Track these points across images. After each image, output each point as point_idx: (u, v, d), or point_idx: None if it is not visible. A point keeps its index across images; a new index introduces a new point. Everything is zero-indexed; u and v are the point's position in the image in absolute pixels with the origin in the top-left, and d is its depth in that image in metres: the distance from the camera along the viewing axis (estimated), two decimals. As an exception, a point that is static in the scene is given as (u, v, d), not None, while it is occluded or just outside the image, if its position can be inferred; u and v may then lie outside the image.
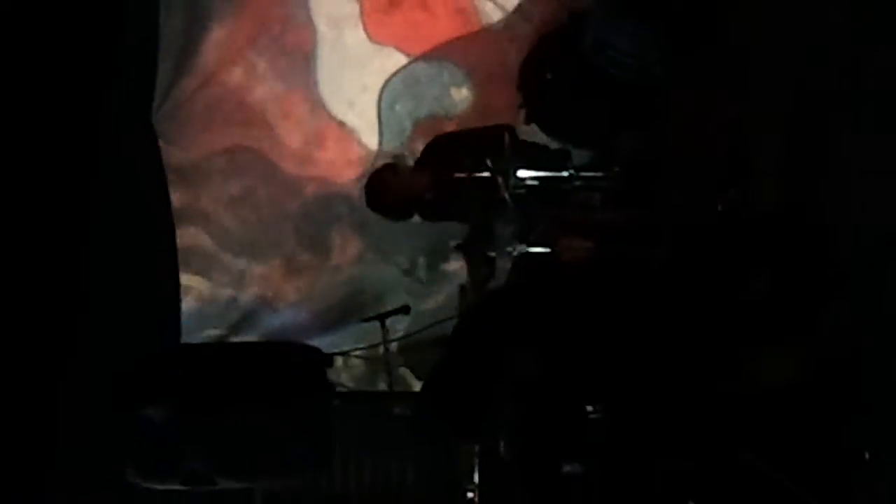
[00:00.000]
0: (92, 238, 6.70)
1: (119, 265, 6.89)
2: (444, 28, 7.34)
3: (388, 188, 6.84)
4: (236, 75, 7.32)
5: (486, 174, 6.35)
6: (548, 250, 6.26)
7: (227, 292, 7.46)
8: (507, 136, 6.62)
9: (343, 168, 7.43)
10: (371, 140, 7.43)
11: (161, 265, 7.24)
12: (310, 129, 7.41)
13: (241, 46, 7.28)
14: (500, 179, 6.30)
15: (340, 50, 7.36)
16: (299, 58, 7.34)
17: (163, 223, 7.25)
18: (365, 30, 7.35)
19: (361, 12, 7.34)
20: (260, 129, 7.38)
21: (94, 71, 6.61)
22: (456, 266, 7.13)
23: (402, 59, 7.37)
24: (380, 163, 7.17)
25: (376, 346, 7.02)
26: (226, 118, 7.33)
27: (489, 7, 7.34)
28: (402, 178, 6.83)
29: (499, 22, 7.37)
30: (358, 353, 7.29)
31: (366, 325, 7.14)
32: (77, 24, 6.47)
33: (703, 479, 5.52)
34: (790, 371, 5.56)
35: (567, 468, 5.65)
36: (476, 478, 6.19)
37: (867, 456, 5.36)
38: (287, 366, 6.47)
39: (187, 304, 7.40)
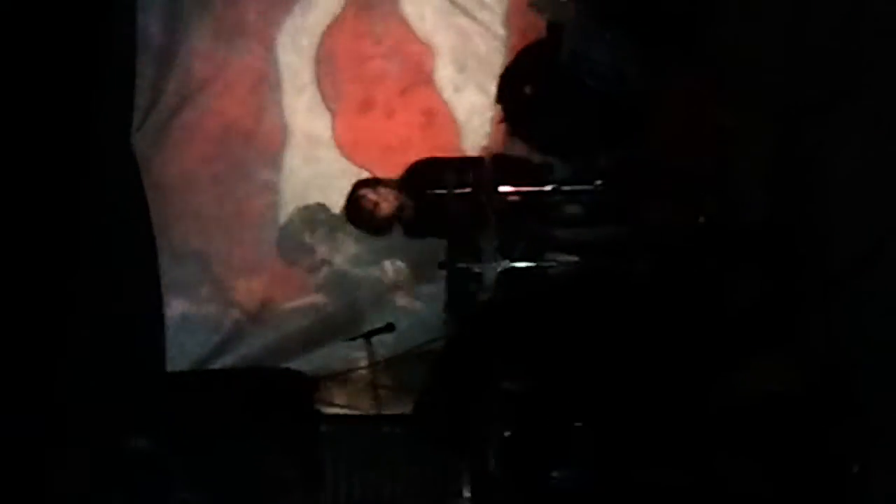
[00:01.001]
0: (73, 260, 6.97)
1: (101, 289, 7.10)
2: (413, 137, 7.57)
3: (367, 203, 6.98)
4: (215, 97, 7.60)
5: (467, 190, 6.59)
6: (532, 265, 6.53)
7: (209, 312, 7.59)
8: (487, 153, 6.96)
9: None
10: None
11: (143, 287, 7.40)
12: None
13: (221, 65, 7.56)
14: (482, 195, 6.54)
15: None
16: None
17: (144, 244, 7.42)
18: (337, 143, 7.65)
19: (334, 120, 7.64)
20: (238, 145, 7.63)
21: (74, 93, 6.90)
22: (441, 282, 7.16)
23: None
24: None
25: (363, 367, 7.15)
26: (205, 136, 7.56)
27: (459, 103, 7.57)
28: (378, 190, 6.97)
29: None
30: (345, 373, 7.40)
31: (351, 343, 7.22)
32: (55, 48, 6.76)
33: (690, 488, 5.80)
34: (778, 380, 5.87)
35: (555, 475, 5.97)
36: (467, 493, 6.33)
37: (855, 469, 5.62)
38: (273, 392, 6.84)
39: (169, 324, 7.53)
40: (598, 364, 6.02)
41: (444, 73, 7.55)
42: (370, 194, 6.97)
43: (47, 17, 6.74)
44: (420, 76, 7.57)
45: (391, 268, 7.58)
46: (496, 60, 7.39)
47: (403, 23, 7.58)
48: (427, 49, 7.56)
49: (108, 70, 7.18)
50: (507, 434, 6.02)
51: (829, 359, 5.83)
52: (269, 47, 7.59)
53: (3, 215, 6.57)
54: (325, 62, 7.60)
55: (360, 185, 7.09)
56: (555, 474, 5.99)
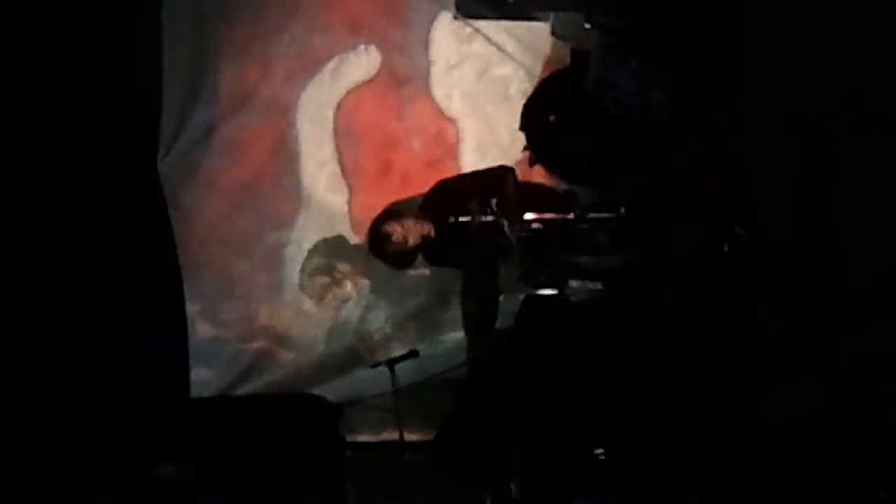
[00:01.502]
0: (99, 287, 7.01)
1: (125, 314, 7.17)
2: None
3: (390, 232, 7.11)
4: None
5: (490, 218, 6.64)
6: (555, 293, 6.60)
7: (233, 339, 7.71)
8: (510, 179, 6.99)
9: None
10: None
11: (168, 313, 7.49)
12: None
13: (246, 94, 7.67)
14: (505, 223, 6.60)
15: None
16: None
17: (169, 271, 7.51)
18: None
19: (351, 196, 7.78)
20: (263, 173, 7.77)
21: (99, 121, 6.96)
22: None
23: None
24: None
25: (386, 394, 7.22)
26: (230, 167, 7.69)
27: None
28: (403, 223, 7.10)
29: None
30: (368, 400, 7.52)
31: (374, 370, 7.30)
32: (80, 74, 6.85)
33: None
34: (805, 406, 5.94)
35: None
36: None
37: (882, 495, 5.72)
38: (297, 419, 6.95)
39: (193, 350, 7.62)
40: (622, 392, 6.09)
41: (468, 158, 7.72)
42: (398, 228, 7.10)
43: (73, 39, 6.82)
44: (444, 153, 7.74)
45: (413, 299, 7.73)
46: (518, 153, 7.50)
47: (431, 102, 7.73)
48: (452, 129, 7.72)
49: (134, 96, 7.23)
50: (529, 462, 6.10)
51: (856, 385, 5.88)
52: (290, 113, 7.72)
53: (29, 237, 6.67)
54: (347, 134, 7.74)
55: (383, 218, 7.20)
56: (578, 501, 6.08)
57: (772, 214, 6.43)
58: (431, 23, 7.71)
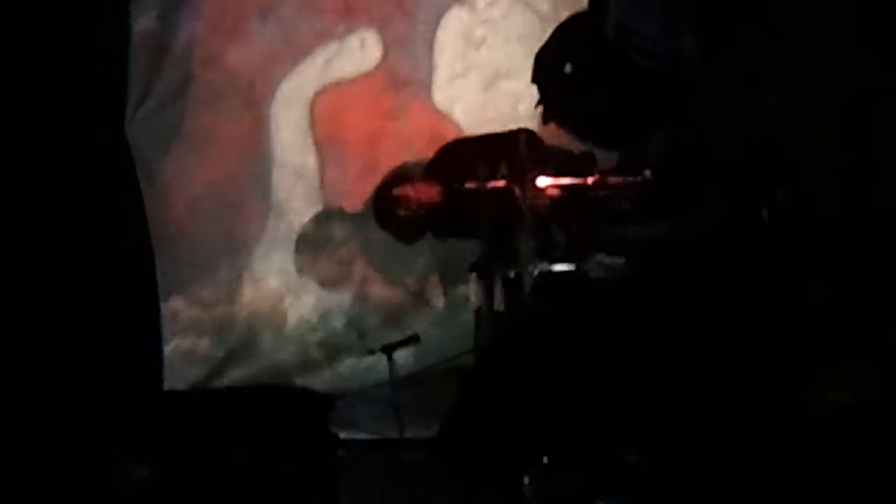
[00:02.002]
0: (63, 264, 6.90)
1: (93, 293, 7.03)
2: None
3: (399, 198, 6.99)
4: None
5: (501, 183, 6.45)
6: (573, 268, 6.33)
7: (212, 324, 7.56)
8: (523, 140, 6.70)
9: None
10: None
11: (140, 292, 7.34)
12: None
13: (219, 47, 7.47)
14: (516, 189, 6.39)
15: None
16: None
17: (139, 245, 7.37)
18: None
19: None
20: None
21: (63, 82, 6.89)
22: (471, 288, 7.05)
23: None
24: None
25: (383, 384, 7.06)
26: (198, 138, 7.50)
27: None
28: (413, 187, 6.98)
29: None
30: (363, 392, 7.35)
31: (371, 357, 7.19)
32: (43, 37, 6.79)
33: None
34: (855, 392, 5.65)
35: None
36: None
37: None
38: (284, 414, 6.69)
39: (168, 337, 7.48)
40: (650, 380, 5.83)
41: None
42: (409, 192, 6.98)
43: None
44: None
45: (416, 276, 7.56)
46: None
47: (432, 111, 7.54)
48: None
49: (100, 59, 7.17)
50: (545, 461, 5.86)
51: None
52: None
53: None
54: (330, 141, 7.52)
55: (391, 181, 7.11)
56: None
57: (816, 176, 6.12)
58: (439, 20, 7.52)
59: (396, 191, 7.06)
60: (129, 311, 7.20)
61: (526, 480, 5.90)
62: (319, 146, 7.49)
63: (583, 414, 5.89)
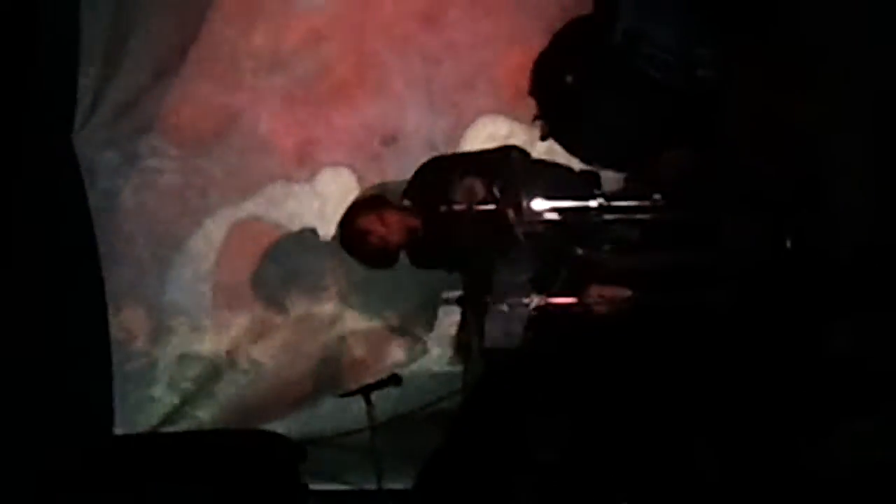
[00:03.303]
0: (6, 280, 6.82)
1: (34, 319, 6.94)
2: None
3: (368, 229, 6.88)
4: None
5: (492, 206, 6.43)
6: (573, 301, 6.33)
7: (170, 356, 7.53)
8: (516, 157, 6.76)
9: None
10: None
11: (87, 319, 7.31)
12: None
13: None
14: (510, 212, 6.36)
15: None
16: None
17: (87, 265, 7.34)
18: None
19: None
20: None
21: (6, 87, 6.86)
22: (456, 323, 7.20)
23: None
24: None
25: (360, 430, 7.00)
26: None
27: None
28: (385, 216, 6.88)
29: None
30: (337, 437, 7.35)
31: (346, 400, 7.12)
32: None
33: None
34: (882, 450, 5.61)
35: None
36: None
37: None
38: (250, 461, 6.55)
39: (119, 371, 7.44)
40: (656, 427, 5.85)
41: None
42: (377, 227, 6.86)
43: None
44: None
45: (395, 312, 7.57)
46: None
47: None
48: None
49: (48, 65, 7.12)
50: None
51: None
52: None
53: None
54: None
55: (359, 210, 6.99)
56: None
57: (846, 202, 6.09)
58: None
59: (363, 222, 6.94)
60: (75, 332, 7.17)
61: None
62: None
63: (581, 462, 5.90)
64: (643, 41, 6.45)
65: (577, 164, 6.87)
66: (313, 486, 6.94)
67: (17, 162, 6.93)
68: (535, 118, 6.80)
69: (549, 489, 5.93)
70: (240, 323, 7.57)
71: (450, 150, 7.39)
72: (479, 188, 6.50)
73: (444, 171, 6.93)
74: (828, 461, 5.68)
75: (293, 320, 7.55)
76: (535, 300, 6.31)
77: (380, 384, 7.00)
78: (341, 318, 7.57)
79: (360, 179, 7.49)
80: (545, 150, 6.95)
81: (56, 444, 6.67)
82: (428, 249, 6.90)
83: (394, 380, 7.04)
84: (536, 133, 6.85)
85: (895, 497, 5.56)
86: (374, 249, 6.94)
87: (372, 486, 6.92)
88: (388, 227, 6.87)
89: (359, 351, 7.55)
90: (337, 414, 7.36)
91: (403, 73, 7.50)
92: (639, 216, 6.44)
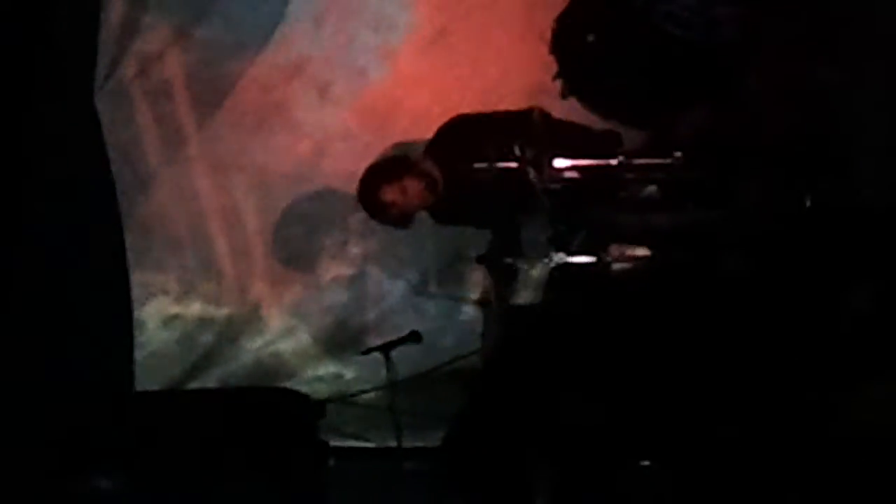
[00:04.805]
0: (25, 242, 6.84)
1: (55, 277, 6.97)
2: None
3: (390, 201, 6.94)
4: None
5: (513, 164, 6.47)
6: (593, 260, 6.42)
7: (189, 316, 7.65)
8: (538, 116, 6.79)
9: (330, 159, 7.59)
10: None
11: (109, 278, 7.33)
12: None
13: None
14: (531, 171, 6.44)
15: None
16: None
17: (109, 224, 7.37)
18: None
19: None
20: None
21: (28, 47, 6.83)
22: (478, 281, 7.31)
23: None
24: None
25: (380, 387, 7.12)
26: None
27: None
28: (407, 185, 6.92)
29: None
30: (357, 396, 7.43)
31: (366, 358, 7.18)
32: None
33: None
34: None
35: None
36: None
37: None
38: (269, 419, 6.64)
39: (139, 331, 7.54)
40: (675, 386, 5.95)
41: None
42: (398, 198, 6.91)
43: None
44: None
45: (417, 270, 7.64)
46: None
47: None
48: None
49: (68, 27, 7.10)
50: (560, 473, 5.98)
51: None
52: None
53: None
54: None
55: (380, 180, 6.99)
56: None
57: (866, 162, 6.24)
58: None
59: (382, 194, 6.95)
60: (96, 297, 7.17)
61: (539, 495, 6.03)
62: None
63: (601, 420, 6.00)
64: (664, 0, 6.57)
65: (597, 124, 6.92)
66: (333, 444, 6.98)
67: (39, 120, 6.90)
68: (556, 76, 6.83)
69: (570, 449, 6.02)
70: (260, 281, 7.64)
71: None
72: (502, 147, 6.50)
73: (468, 129, 6.99)
74: (847, 422, 5.77)
75: (313, 279, 7.62)
76: (555, 258, 6.38)
77: (400, 341, 7.02)
78: (362, 275, 7.63)
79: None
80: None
81: (77, 400, 6.70)
82: (449, 207, 6.96)
83: (413, 337, 7.06)
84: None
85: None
86: (393, 218, 7.01)
87: (391, 444, 6.94)
88: (409, 198, 6.92)
89: (379, 307, 7.62)
90: (357, 371, 7.48)
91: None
92: (659, 174, 6.54)
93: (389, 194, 6.90)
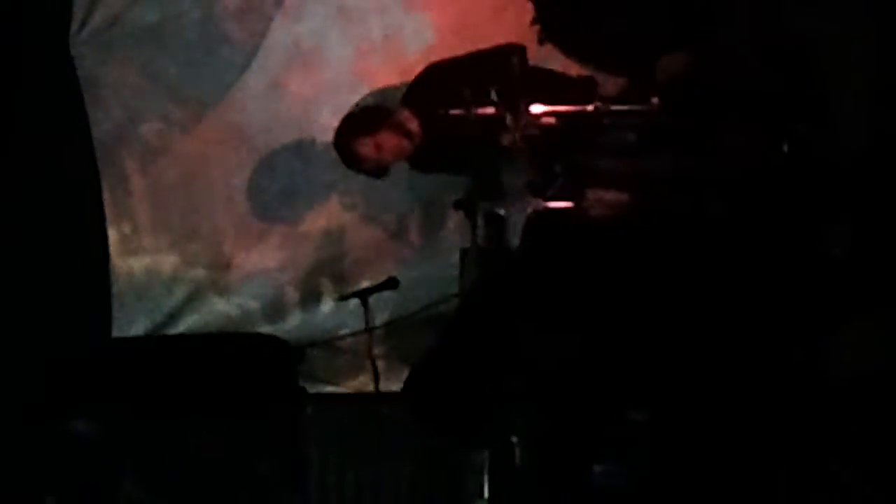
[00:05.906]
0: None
1: (30, 225, 7.06)
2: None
3: (364, 155, 6.99)
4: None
5: (490, 110, 6.46)
6: (571, 206, 6.43)
7: (165, 264, 7.62)
8: (516, 60, 6.72)
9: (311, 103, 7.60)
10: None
11: (84, 225, 7.39)
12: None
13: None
14: (508, 116, 6.43)
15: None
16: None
17: (85, 172, 7.39)
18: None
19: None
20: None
21: None
22: (455, 227, 7.33)
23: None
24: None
25: (358, 333, 7.13)
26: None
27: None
28: (381, 139, 6.95)
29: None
30: (335, 341, 7.44)
31: (344, 304, 7.28)
32: None
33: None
34: (880, 352, 5.85)
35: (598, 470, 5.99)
36: (486, 492, 6.29)
37: None
38: (246, 364, 6.71)
39: (116, 279, 7.55)
40: (654, 332, 6.01)
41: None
42: (372, 152, 6.97)
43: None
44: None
45: (395, 215, 7.62)
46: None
47: None
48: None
49: None
50: (536, 419, 6.03)
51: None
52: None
53: None
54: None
55: (355, 132, 7.04)
56: (597, 469, 5.99)
57: (843, 108, 6.27)
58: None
59: (356, 146, 7.00)
60: (72, 242, 7.25)
61: (514, 439, 6.06)
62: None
63: (579, 367, 6.06)
64: (639, -57, 6.63)
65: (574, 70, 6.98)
66: (311, 389, 7.07)
67: (16, 70, 6.98)
68: (533, 21, 6.93)
69: (547, 398, 6.08)
70: (237, 232, 7.62)
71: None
72: (479, 92, 6.47)
73: (444, 75, 7.01)
74: (828, 364, 5.85)
75: (291, 225, 7.60)
76: (532, 204, 6.40)
77: (377, 287, 7.12)
78: (340, 222, 7.60)
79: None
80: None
81: (54, 344, 6.78)
82: (427, 155, 6.99)
83: (391, 283, 7.16)
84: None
85: (894, 400, 5.77)
86: (369, 169, 7.07)
87: (369, 389, 7.03)
88: (384, 151, 6.96)
89: (357, 254, 7.59)
90: (334, 317, 7.47)
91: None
92: (636, 120, 6.54)
93: (364, 147, 6.95)
